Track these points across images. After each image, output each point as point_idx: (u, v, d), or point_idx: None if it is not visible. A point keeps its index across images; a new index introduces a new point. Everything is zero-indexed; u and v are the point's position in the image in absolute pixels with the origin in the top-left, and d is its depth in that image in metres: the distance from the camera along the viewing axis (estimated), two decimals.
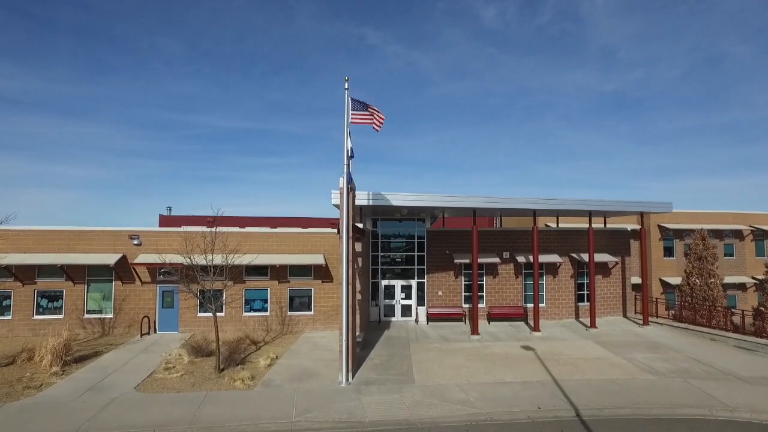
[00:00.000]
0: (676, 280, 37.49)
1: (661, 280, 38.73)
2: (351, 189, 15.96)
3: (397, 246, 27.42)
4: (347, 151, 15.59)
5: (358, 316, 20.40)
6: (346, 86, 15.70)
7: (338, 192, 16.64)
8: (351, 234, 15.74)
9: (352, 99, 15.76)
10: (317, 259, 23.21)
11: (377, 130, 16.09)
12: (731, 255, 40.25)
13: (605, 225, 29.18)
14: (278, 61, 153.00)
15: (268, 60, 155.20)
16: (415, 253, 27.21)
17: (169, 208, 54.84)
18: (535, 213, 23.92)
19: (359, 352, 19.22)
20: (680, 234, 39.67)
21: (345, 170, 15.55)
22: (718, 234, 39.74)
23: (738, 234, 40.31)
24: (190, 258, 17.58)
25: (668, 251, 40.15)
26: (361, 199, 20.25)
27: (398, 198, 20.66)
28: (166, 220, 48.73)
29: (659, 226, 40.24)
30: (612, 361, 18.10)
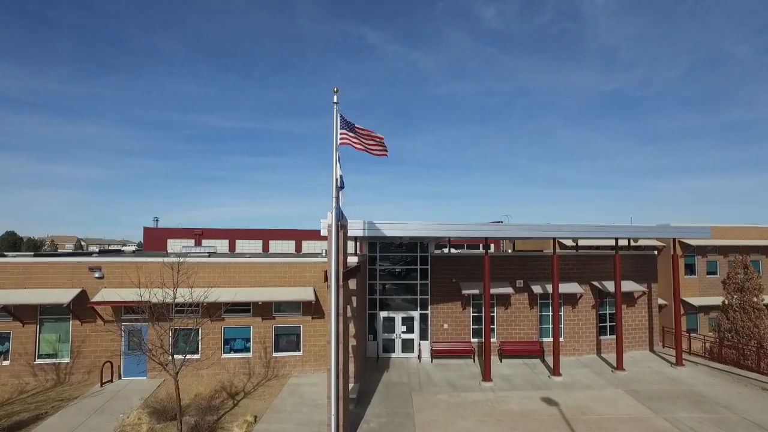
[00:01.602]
0: (698, 301, 34.66)
1: (682, 301, 35.80)
2: (342, 227, 13.05)
3: (398, 273, 24.51)
4: (336, 180, 12.67)
5: (352, 365, 17.53)
6: (335, 99, 12.79)
7: (326, 222, 13.80)
8: (341, 283, 12.82)
9: (341, 117, 12.84)
10: (306, 294, 20.29)
11: (386, 155, 13.18)
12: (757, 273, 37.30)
13: (629, 244, 26.29)
14: (278, 61, 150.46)
15: (268, 60, 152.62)
16: (418, 282, 24.29)
17: (156, 219, 52.05)
18: (555, 241, 20.99)
19: (352, 409, 16.30)
20: (702, 250, 36.79)
21: (333, 204, 12.63)
22: (743, 250, 36.92)
23: (765, 250, 37.39)
24: (149, 301, 14.70)
25: (689, 269, 37.16)
26: (355, 229, 17.39)
27: (398, 228, 17.76)
28: (150, 233, 45.86)
29: (679, 242, 37.22)
30: (654, 425, 15.17)
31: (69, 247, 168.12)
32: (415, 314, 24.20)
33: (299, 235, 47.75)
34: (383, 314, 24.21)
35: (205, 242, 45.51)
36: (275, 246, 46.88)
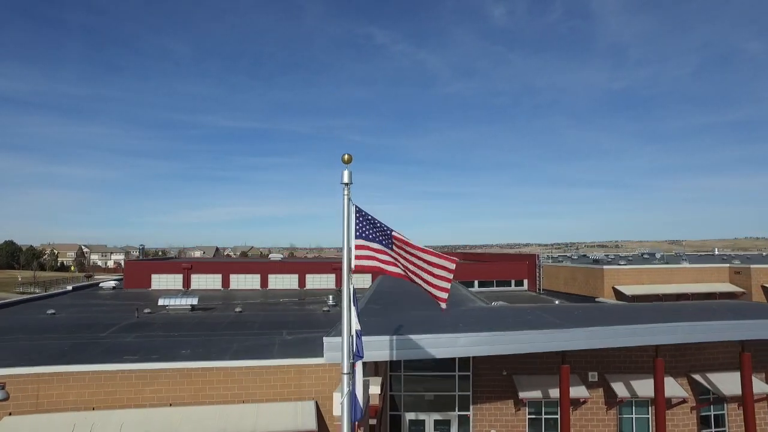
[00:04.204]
0: None
1: None
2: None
3: (429, 362, 18.36)
4: (348, 333, 6.55)
5: None
6: (345, 177, 6.67)
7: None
8: None
9: (360, 212, 6.69)
10: (303, 419, 14.16)
11: (443, 304, 6.90)
12: None
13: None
14: (285, 61, 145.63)
15: (274, 60, 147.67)
16: (456, 373, 18.15)
17: (142, 247, 46.29)
18: (658, 349, 14.69)
19: None
20: None
21: (344, 385, 6.50)
22: None
23: None
24: None
25: None
26: (378, 349, 11.31)
27: (441, 345, 11.62)
28: (133, 268, 40.03)
29: (763, 287, 30.87)
30: None
31: (71, 255, 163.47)
32: (453, 416, 18.08)
33: (302, 268, 41.73)
34: (410, 416, 18.12)
35: (194, 278, 39.66)
36: (275, 281, 40.90)
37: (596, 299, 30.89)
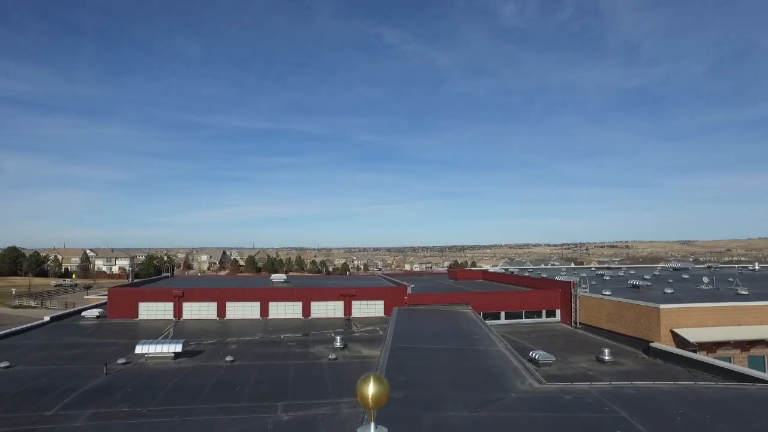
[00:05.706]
0: None
1: None
2: None
3: None
4: None
5: None
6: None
7: None
8: None
9: None
10: None
11: None
12: None
13: None
14: (296, 61, 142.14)
15: (285, 60, 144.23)
16: None
17: (133, 268, 42.14)
18: None
19: None
20: None
21: None
22: None
23: None
24: None
25: None
26: None
27: None
28: (118, 296, 35.88)
29: None
30: None
31: (75, 260, 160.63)
32: None
33: (306, 295, 37.35)
34: None
35: (186, 306, 35.52)
36: (276, 309, 36.63)
37: (651, 343, 26.24)
